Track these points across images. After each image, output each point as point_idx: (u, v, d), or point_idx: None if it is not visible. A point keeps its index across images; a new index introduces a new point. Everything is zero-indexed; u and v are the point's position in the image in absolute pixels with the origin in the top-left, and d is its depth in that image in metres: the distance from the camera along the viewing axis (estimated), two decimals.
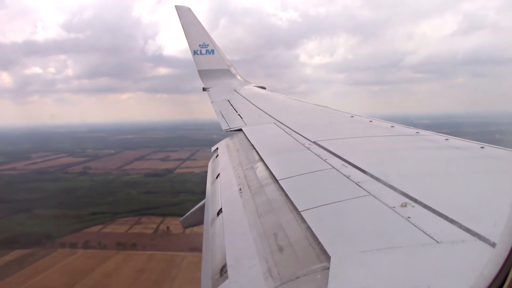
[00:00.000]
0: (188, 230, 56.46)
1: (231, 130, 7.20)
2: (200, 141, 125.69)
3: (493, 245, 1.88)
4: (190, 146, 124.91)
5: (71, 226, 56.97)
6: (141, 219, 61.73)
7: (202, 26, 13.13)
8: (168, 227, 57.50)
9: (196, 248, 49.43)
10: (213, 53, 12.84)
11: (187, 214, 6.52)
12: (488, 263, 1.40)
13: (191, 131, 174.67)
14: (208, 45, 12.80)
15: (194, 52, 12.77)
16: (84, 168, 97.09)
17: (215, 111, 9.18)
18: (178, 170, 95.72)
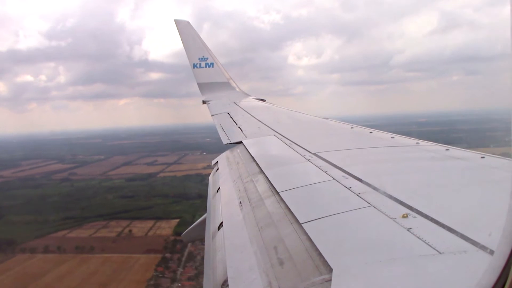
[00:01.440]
0: (151, 233, 57.43)
1: (231, 144, 7.18)
2: (191, 145, 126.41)
3: None
4: (180, 150, 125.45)
5: (37, 231, 57.64)
6: (110, 223, 62.20)
7: (201, 39, 13.31)
8: (130, 231, 58.17)
9: (151, 250, 50.17)
10: (212, 66, 12.96)
11: (188, 228, 6.63)
12: (486, 272, 1.41)
13: (185, 135, 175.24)
14: (207, 58, 12.92)
15: (194, 66, 12.89)
16: (69, 174, 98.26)
17: (215, 124, 9.23)
18: (161, 174, 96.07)
